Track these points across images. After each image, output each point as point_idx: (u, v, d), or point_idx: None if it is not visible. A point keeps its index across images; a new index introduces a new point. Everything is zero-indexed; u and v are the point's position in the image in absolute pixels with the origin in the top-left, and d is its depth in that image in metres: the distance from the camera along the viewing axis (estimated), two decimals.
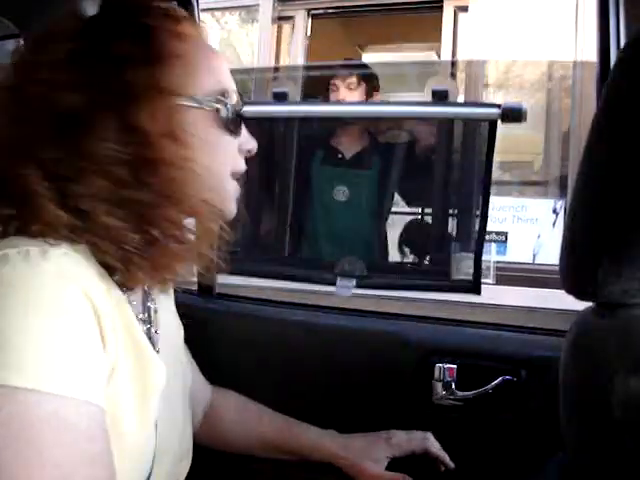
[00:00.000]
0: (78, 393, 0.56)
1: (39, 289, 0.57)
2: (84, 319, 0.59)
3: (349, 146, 2.55)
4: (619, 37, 1.04)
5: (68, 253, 0.61)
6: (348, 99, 2.51)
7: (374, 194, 2.38)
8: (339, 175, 2.48)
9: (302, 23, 2.89)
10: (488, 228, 2.64)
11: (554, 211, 2.84)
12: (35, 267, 0.58)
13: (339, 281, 1.12)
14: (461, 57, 2.78)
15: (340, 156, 2.55)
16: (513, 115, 1.06)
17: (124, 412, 0.64)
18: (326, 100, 2.65)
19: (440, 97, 1.18)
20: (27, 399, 0.54)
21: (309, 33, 2.89)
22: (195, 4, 1.30)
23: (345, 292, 1.12)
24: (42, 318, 0.56)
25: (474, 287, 1.15)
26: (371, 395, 1.18)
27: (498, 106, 1.07)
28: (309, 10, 2.91)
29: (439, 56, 3.82)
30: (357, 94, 2.52)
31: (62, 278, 0.59)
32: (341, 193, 2.42)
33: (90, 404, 0.57)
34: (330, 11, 2.94)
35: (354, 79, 2.54)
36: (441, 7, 2.74)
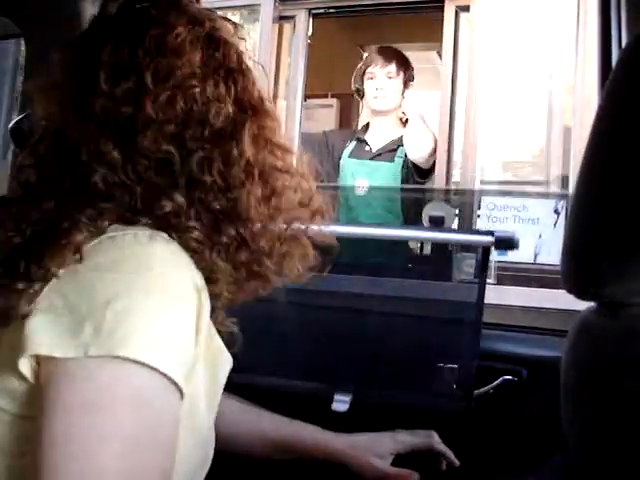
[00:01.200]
0: (171, 373, 0.56)
1: (151, 269, 0.58)
2: (190, 307, 0.59)
3: (378, 139, 2.50)
4: (620, 36, 1.04)
5: (169, 239, 0.62)
6: (387, 88, 2.46)
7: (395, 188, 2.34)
8: (363, 168, 2.44)
9: (303, 23, 2.87)
10: (489, 228, 2.62)
11: (555, 211, 2.84)
12: (146, 247, 0.59)
13: (336, 396, 1.11)
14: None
15: (368, 149, 2.50)
16: (505, 243, 1.11)
17: (198, 404, 0.65)
18: (361, 91, 2.56)
19: (436, 223, 1.24)
20: (125, 369, 0.54)
21: (310, 33, 2.88)
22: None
23: (341, 407, 1.11)
24: (152, 298, 0.56)
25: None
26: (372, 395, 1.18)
27: (491, 233, 1.13)
28: (310, 10, 2.90)
29: (440, 56, 3.80)
30: (396, 83, 2.48)
31: (173, 262, 0.60)
32: (362, 186, 2.39)
33: (177, 389, 0.57)
34: (331, 11, 2.94)
35: (393, 67, 2.49)
36: (442, 7, 2.73)
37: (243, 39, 0.74)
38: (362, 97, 2.62)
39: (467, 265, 1.78)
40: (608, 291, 0.64)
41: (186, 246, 0.63)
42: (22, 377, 0.56)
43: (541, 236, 2.84)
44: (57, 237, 0.59)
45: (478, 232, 1.16)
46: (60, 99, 0.69)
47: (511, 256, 2.87)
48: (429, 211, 1.26)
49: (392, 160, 2.41)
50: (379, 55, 2.57)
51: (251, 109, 0.69)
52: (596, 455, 0.63)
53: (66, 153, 0.65)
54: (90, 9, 1.26)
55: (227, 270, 0.67)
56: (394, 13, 3.17)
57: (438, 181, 2.50)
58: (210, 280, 0.64)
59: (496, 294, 1.24)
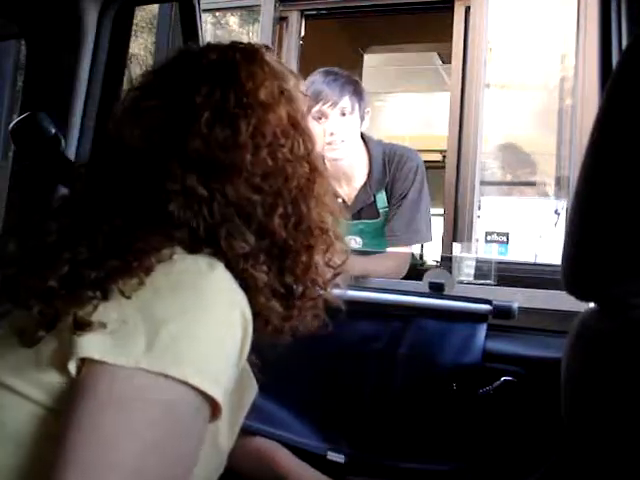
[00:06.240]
0: (215, 395, 0.59)
1: (207, 297, 0.61)
2: (237, 337, 0.62)
3: (348, 188, 1.93)
4: (621, 37, 1.04)
5: (226, 269, 0.64)
6: (342, 127, 1.82)
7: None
8: (351, 227, 1.87)
9: (295, 24, 2.86)
10: (489, 228, 2.61)
11: (555, 212, 2.84)
12: (205, 275, 0.62)
13: (329, 453, 1.14)
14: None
15: (345, 206, 1.85)
16: (503, 313, 1.14)
17: (221, 422, 0.66)
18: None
19: (436, 289, 1.26)
20: (173, 387, 0.57)
21: (302, 34, 2.86)
22: (196, 5, 1.30)
23: (338, 460, 1.15)
24: (204, 324, 0.60)
25: None
26: (370, 395, 1.18)
27: (490, 302, 1.15)
28: (302, 11, 2.88)
29: (441, 56, 3.80)
30: (352, 119, 1.84)
31: (228, 292, 0.63)
32: (354, 242, 1.95)
33: (211, 409, 0.60)
34: (323, 12, 2.90)
35: (347, 101, 1.81)
36: (452, 6, 2.70)
37: (306, 95, 0.78)
38: None
39: (467, 266, 1.79)
40: (608, 292, 0.64)
41: (249, 285, 0.66)
42: (67, 374, 0.58)
43: (541, 237, 2.85)
44: (130, 257, 0.62)
45: (477, 300, 1.17)
46: (147, 126, 0.70)
47: (511, 257, 2.87)
48: (430, 278, 1.29)
49: (377, 216, 1.91)
50: (327, 86, 1.80)
51: (315, 168, 0.73)
52: (597, 454, 0.63)
53: (144, 177, 0.67)
54: (90, 9, 1.26)
55: (277, 312, 0.70)
56: (394, 14, 3.15)
57: (448, 178, 2.49)
58: (258, 316, 0.67)
59: (496, 295, 1.24)
